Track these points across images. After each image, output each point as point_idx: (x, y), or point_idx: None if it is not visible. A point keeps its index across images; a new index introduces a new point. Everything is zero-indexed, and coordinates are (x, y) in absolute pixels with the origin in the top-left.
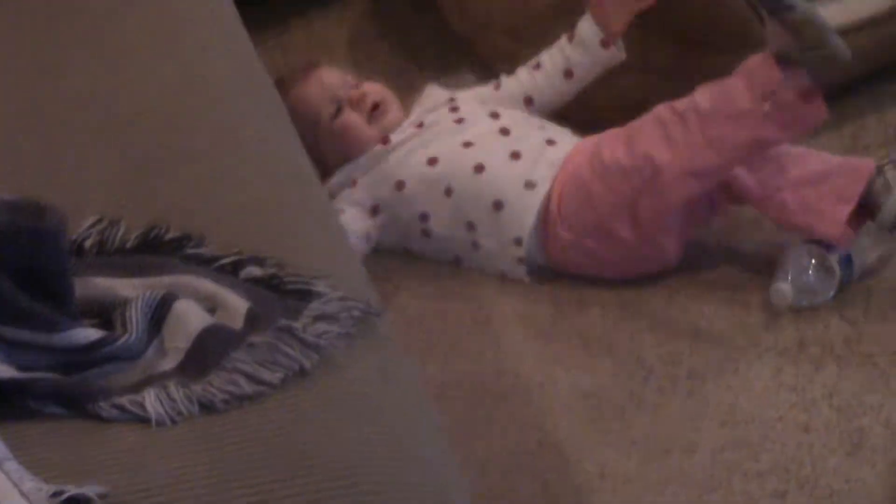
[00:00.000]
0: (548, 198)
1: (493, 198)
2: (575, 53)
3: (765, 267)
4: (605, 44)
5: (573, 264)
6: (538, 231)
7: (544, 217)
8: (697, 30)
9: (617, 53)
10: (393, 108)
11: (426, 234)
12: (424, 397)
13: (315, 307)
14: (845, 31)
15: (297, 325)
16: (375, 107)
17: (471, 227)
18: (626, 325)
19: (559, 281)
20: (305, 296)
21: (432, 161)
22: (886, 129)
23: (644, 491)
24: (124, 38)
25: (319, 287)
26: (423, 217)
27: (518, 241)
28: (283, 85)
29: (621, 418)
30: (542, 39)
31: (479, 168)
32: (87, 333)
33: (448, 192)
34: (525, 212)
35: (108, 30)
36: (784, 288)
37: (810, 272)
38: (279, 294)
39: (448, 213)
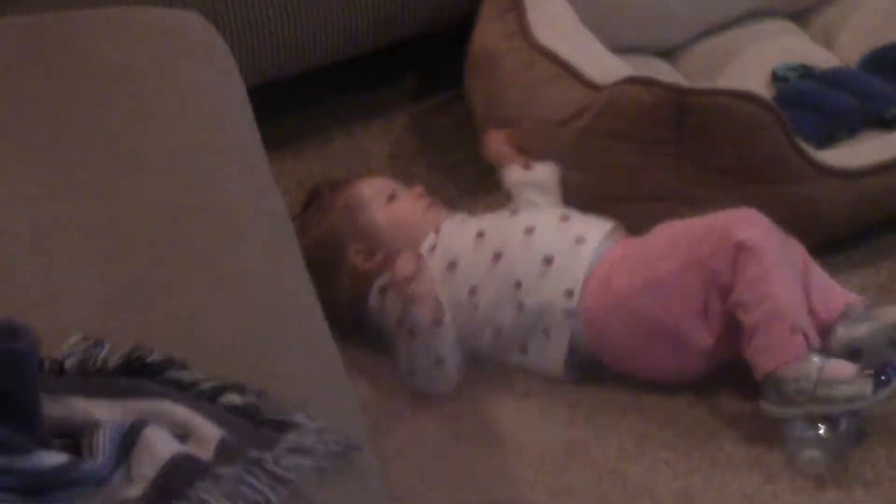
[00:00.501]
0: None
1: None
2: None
3: None
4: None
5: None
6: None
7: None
8: (735, 160)
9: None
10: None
11: (474, 308)
12: None
13: (290, 439)
14: (891, 165)
15: (268, 457)
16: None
17: (518, 285)
18: (643, 457)
19: (577, 407)
20: (283, 426)
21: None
22: None
23: None
24: (135, 159)
25: (297, 418)
26: (472, 291)
27: (569, 294)
28: (326, 189)
29: None
30: None
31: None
32: (53, 458)
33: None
34: (576, 263)
35: (116, 149)
36: (815, 455)
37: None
38: (256, 424)
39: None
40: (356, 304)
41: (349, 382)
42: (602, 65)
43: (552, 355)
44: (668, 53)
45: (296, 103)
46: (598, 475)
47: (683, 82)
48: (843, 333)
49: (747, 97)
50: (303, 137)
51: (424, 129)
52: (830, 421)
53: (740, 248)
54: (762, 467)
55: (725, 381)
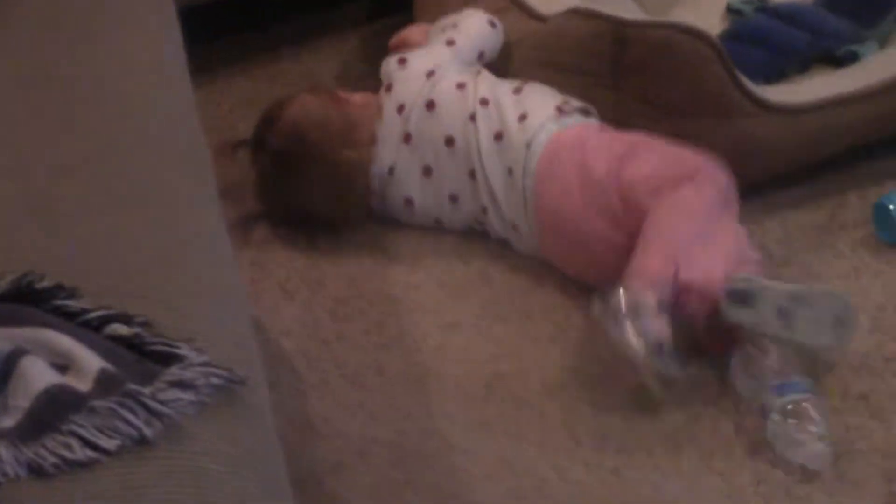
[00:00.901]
0: None
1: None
2: None
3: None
4: None
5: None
6: None
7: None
8: (675, 95)
9: None
10: None
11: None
12: (281, 479)
13: (173, 372)
14: (832, 104)
15: (146, 390)
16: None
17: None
18: (563, 393)
19: (503, 341)
20: (167, 359)
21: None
22: (865, 207)
23: None
24: (51, 80)
25: (183, 350)
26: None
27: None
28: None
29: (541, 492)
30: None
31: None
32: None
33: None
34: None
35: (34, 68)
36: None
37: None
38: (139, 356)
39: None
40: (361, 191)
41: (248, 315)
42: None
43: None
44: None
45: (247, 23)
46: (518, 409)
47: (640, 14)
48: (726, 314)
49: (688, 31)
50: (253, 57)
51: (373, 52)
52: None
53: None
54: (682, 409)
55: None
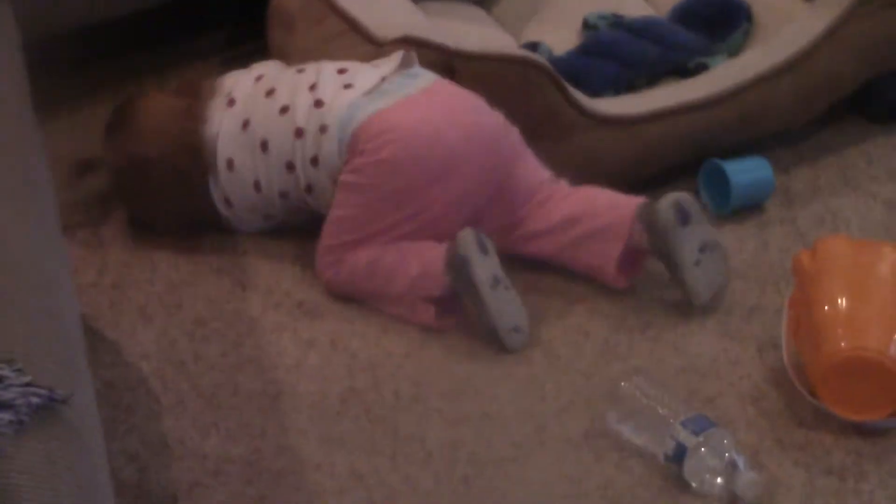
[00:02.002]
0: None
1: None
2: None
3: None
4: None
5: None
6: None
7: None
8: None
9: None
10: None
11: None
12: (102, 500)
13: None
14: (670, 113)
15: None
16: None
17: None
18: (417, 406)
19: (357, 356)
20: None
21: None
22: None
23: None
24: None
25: (3, 371)
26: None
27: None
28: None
29: (391, 502)
30: None
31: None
32: None
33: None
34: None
35: None
36: (752, 477)
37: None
38: None
39: None
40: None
41: (79, 337)
42: (389, 20)
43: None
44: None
45: (110, 50)
46: (371, 423)
47: (490, 32)
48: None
49: (516, 60)
50: (117, 85)
51: None
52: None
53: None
54: (531, 418)
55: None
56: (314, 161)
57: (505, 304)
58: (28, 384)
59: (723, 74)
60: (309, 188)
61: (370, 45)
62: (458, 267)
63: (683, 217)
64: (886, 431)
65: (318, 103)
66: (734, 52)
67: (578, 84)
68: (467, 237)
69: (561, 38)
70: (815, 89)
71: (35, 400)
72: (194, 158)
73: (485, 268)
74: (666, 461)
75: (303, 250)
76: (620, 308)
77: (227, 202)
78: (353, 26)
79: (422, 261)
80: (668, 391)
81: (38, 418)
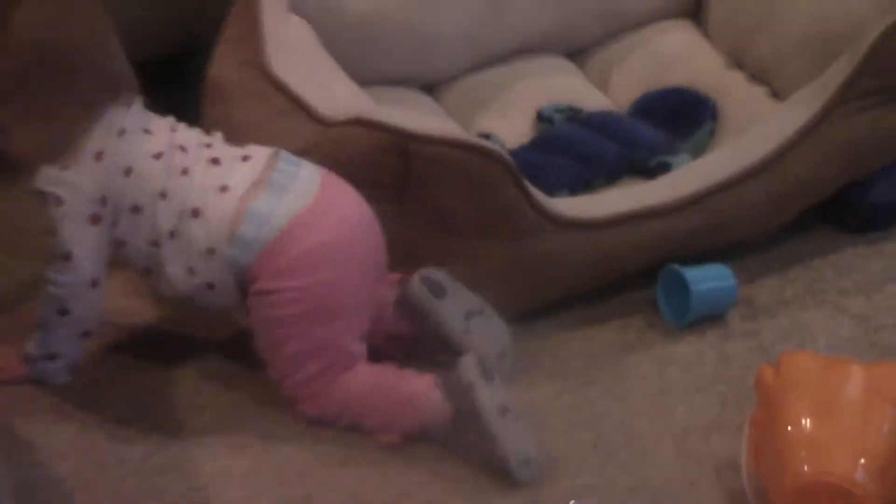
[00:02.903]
0: None
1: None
2: None
3: None
4: None
5: None
6: None
7: None
8: (465, 213)
9: None
10: None
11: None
12: None
13: None
14: (631, 217)
15: None
16: None
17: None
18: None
19: (287, 466)
20: None
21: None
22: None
23: None
24: None
25: None
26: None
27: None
28: None
29: None
30: None
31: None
32: None
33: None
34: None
35: None
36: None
37: None
38: None
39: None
40: None
41: None
42: (337, 101)
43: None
44: (433, 86)
45: None
46: None
47: (439, 121)
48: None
49: (476, 148)
50: None
51: None
52: None
53: None
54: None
55: None
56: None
57: (515, 434)
58: None
59: (687, 177)
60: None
61: (317, 125)
62: (460, 394)
63: (437, 290)
64: None
65: (196, 212)
66: (699, 152)
67: (532, 181)
68: (469, 363)
69: (514, 129)
70: (786, 195)
71: None
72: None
73: (491, 396)
74: None
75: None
76: (569, 423)
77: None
78: (299, 103)
79: (415, 388)
80: None
81: None
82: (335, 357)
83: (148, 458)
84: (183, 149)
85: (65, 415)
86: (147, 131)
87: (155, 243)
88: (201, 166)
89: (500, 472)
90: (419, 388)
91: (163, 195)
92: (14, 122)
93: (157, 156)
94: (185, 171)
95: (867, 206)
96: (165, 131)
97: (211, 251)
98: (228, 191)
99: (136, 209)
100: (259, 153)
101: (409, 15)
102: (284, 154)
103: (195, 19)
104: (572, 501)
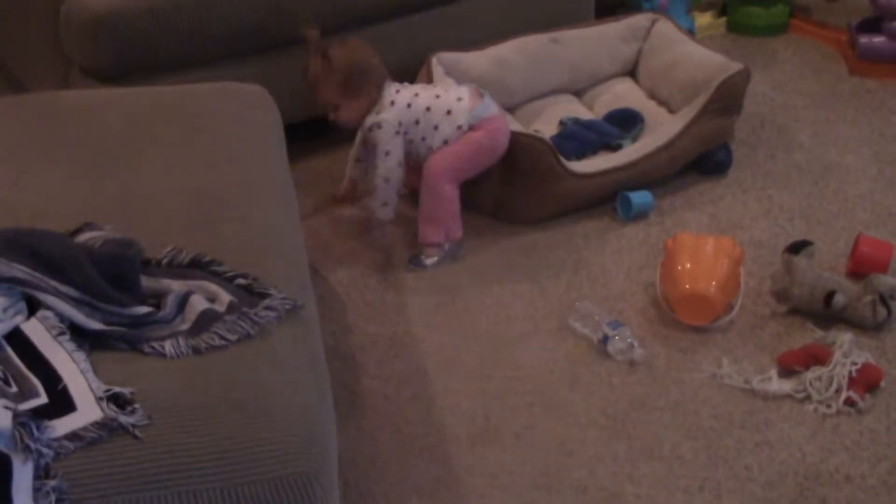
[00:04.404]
0: None
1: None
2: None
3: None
4: None
5: None
6: None
7: None
8: (528, 169)
9: None
10: None
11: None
12: (319, 355)
13: (265, 302)
14: (607, 172)
15: (251, 311)
16: None
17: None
18: None
19: None
20: (264, 295)
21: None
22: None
23: None
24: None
25: (271, 291)
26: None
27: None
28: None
29: None
30: None
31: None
32: (143, 309)
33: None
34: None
35: (175, 146)
36: (641, 351)
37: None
38: (250, 293)
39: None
40: None
41: (305, 268)
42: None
43: None
44: (511, 109)
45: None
46: None
47: (517, 124)
48: None
49: (534, 137)
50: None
51: None
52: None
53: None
54: (530, 317)
55: None
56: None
57: None
58: (283, 298)
59: (631, 151)
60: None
61: None
62: None
63: None
64: (710, 328)
65: (448, 112)
66: (636, 139)
67: (559, 153)
68: None
69: (549, 129)
70: (677, 158)
71: (287, 306)
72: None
73: None
74: (598, 343)
75: None
76: (573, 263)
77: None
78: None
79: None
80: (599, 308)
81: (289, 316)
82: (464, 174)
83: None
84: (416, 94)
85: None
86: (398, 91)
87: (423, 138)
88: (433, 98)
89: None
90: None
91: (427, 109)
92: (342, 102)
93: (415, 95)
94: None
95: (713, 161)
96: (404, 87)
97: (460, 127)
98: (462, 101)
99: (416, 122)
100: (464, 91)
101: (501, 76)
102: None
103: None
104: (577, 303)
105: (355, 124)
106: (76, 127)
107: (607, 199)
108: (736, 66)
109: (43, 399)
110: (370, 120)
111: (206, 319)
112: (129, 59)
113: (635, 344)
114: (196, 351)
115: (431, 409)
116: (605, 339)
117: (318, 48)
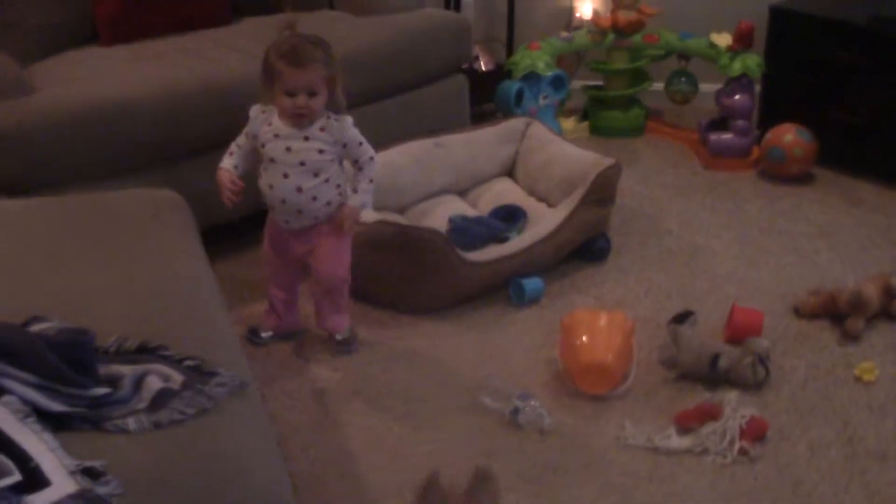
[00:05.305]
0: None
1: None
2: None
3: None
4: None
5: None
6: None
7: None
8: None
9: None
10: None
11: None
12: (268, 426)
13: (217, 379)
14: (497, 260)
15: (205, 388)
16: None
17: None
18: None
19: None
20: (212, 374)
21: None
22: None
23: None
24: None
25: (218, 370)
26: None
27: None
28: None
29: None
30: None
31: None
32: (102, 390)
33: None
34: None
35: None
36: (549, 420)
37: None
38: (199, 372)
39: None
40: None
41: (238, 344)
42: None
43: None
44: (402, 210)
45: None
46: None
47: (407, 220)
48: None
49: (428, 230)
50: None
51: None
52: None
53: None
54: (452, 389)
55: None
56: None
57: None
58: (233, 375)
59: (517, 242)
60: None
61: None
62: None
63: None
64: (610, 396)
65: None
66: (520, 232)
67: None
68: None
69: (439, 227)
70: (561, 247)
71: (236, 382)
72: None
73: None
74: (509, 415)
75: None
76: (477, 342)
77: None
78: None
79: None
80: (507, 383)
81: (237, 393)
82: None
83: None
84: None
85: None
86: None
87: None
88: None
89: None
90: None
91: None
92: (322, 91)
93: None
94: None
95: (594, 249)
96: None
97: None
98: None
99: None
100: None
101: (392, 180)
102: None
103: None
104: (485, 380)
105: (315, 118)
106: (3, 231)
107: (501, 287)
108: (608, 161)
109: (17, 476)
110: (332, 116)
111: (164, 397)
112: (34, 174)
113: (544, 414)
114: (157, 426)
115: (359, 484)
116: (516, 410)
117: (309, 36)
